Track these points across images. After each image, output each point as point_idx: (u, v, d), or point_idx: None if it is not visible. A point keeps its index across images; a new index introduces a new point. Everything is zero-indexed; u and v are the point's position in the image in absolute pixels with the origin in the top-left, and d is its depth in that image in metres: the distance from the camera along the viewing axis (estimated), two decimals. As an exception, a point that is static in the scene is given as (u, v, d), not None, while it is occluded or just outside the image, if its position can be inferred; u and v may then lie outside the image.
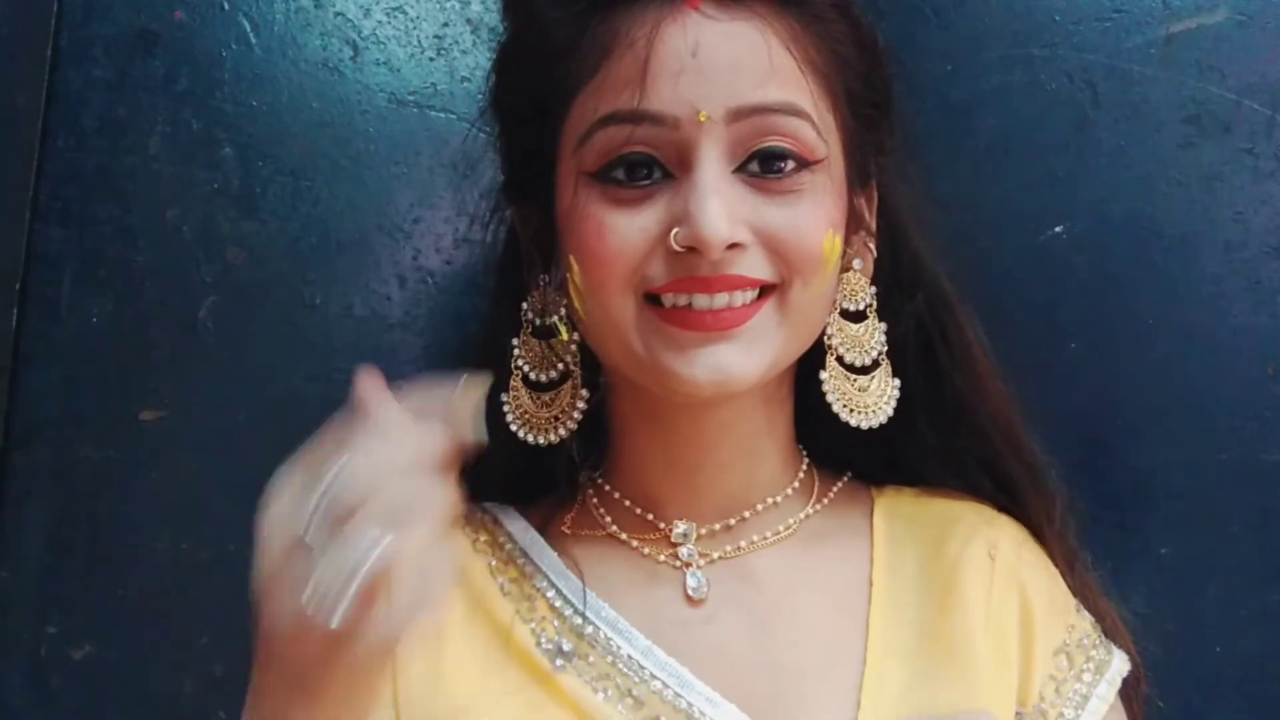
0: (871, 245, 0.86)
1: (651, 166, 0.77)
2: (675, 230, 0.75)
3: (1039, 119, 1.02)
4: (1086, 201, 1.01)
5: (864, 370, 0.84)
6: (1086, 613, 0.86)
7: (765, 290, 0.78)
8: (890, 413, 0.83)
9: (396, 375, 1.01)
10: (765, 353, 0.78)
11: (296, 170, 1.05)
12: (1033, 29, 1.03)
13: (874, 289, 0.85)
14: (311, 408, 1.02)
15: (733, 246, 0.76)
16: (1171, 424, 1.00)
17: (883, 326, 0.85)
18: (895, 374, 0.85)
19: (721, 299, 0.77)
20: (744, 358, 0.77)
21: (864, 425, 0.82)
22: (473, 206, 1.04)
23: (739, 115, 0.76)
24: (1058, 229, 1.01)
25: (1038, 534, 0.87)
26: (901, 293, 0.87)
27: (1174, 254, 1.01)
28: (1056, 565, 0.86)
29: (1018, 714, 0.80)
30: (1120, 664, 0.85)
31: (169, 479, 1.03)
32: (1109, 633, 0.86)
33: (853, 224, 0.85)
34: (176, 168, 1.05)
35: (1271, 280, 1.00)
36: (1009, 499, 0.88)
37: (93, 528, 1.03)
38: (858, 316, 0.85)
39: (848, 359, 0.83)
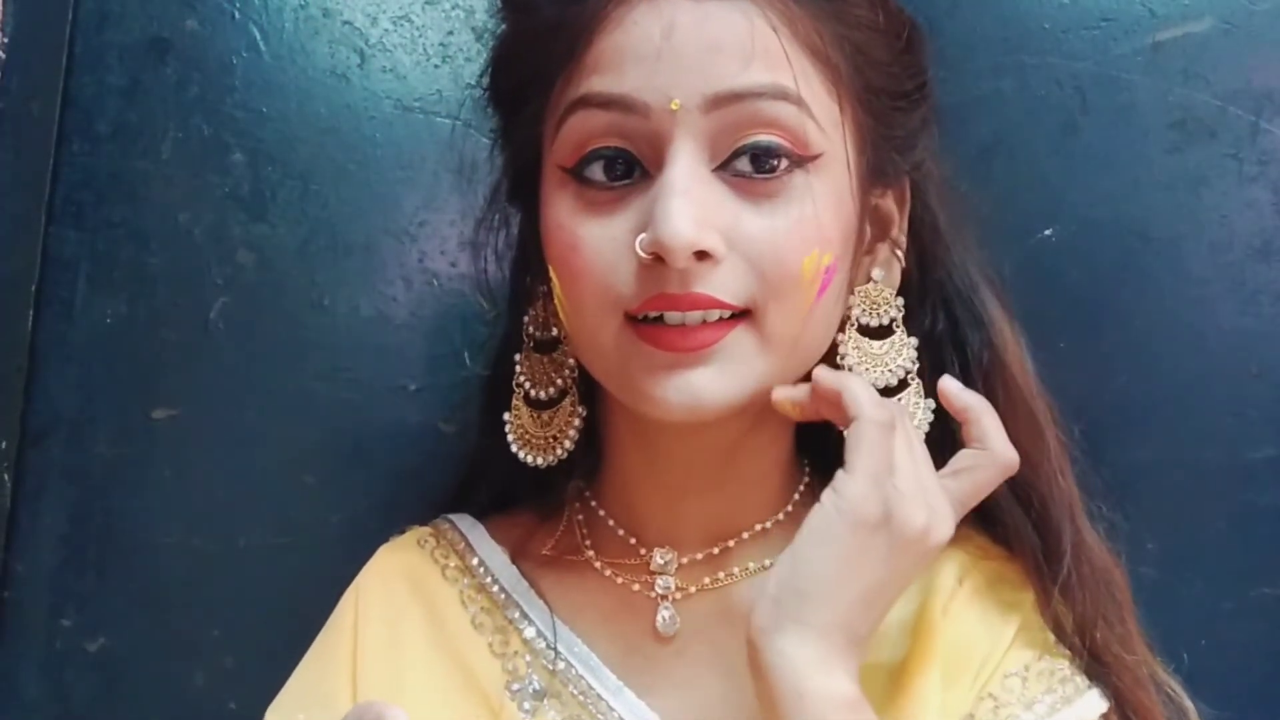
0: (899, 254, 0.79)
1: (630, 164, 0.71)
2: (640, 237, 0.68)
3: (1029, 124, 1.03)
4: (1075, 205, 1.02)
5: (888, 391, 0.76)
6: (1066, 650, 0.76)
7: (738, 314, 0.70)
8: (921, 438, 0.74)
9: (402, 373, 1.06)
10: (743, 377, 0.71)
11: (305, 175, 1.06)
12: (1023, 37, 1.04)
13: (901, 301, 0.78)
14: (319, 405, 1.06)
15: (703, 257, 0.68)
16: (1158, 422, 1.01)
17: (913, 342, 0.77)
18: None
19: (694, 316, 0.69)
20: (718, 381, 0.70)
21: None
22: (477, 210, 1.06)
23: (717, 103, 0.68)
24: (1047, 232, 1.02)
25: (1047, 578, 0.77)
26: (925, 307, 0.79)
27: (1160, 256, 1.02)
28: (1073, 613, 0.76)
29: None
30: (1096, 701, 0.74)
31: (180, 476, 1.05)
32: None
33: (877, 230, 0.78)
34: (188, 172, 1.06)
35: (1255, 281, 1.00)
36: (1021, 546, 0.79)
37: (106, 523, 1.05)
38: (880, 332, 0.77)
39: (867, 379, 0.75)
